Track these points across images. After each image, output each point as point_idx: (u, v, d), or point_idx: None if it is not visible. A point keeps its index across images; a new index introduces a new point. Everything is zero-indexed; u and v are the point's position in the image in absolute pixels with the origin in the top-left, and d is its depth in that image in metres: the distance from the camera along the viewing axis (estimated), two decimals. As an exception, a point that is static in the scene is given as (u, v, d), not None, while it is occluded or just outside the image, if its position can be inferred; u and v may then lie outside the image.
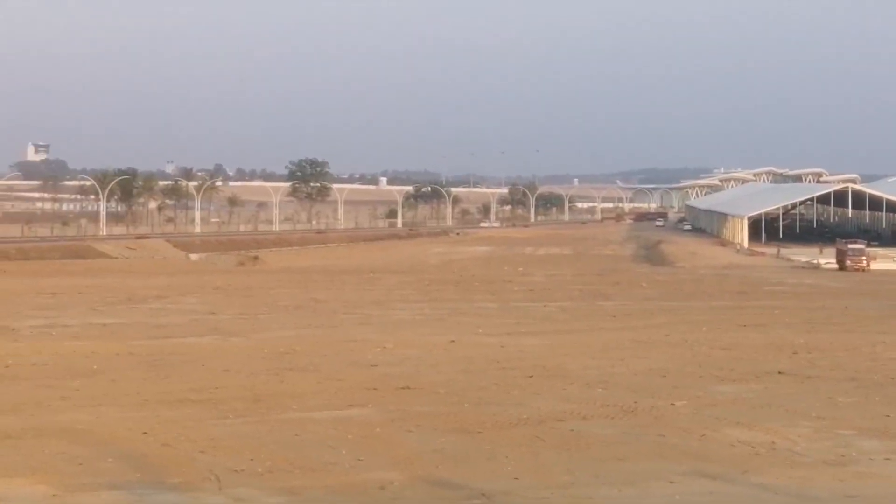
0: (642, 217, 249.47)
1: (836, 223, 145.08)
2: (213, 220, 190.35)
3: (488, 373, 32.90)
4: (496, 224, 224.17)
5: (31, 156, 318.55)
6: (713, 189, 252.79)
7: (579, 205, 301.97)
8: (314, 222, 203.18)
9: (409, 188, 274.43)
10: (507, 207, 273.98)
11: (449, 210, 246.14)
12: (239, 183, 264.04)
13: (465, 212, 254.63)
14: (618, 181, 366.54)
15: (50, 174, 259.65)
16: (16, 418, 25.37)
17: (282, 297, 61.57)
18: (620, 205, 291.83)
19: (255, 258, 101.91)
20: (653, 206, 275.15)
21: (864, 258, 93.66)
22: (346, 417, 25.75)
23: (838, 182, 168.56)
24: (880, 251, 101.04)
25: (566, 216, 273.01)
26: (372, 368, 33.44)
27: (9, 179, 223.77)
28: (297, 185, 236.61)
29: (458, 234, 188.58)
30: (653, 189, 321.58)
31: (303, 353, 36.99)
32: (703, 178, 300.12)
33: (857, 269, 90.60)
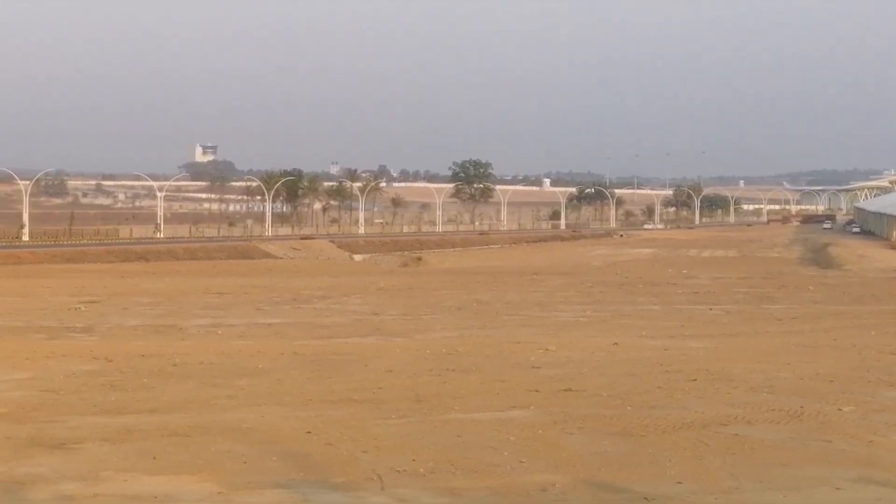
0: (809, 219, 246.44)
1: None
2: (376, 220, 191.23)
3: (652, 376, 32.87)
4: (660, 226, 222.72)
5: (199, 157, 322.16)
6: (883, 191, 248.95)
7: (745, 206, 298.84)
8: (477, 223, 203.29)
9: (573, 189, 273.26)
10: (672, 209, 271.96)
11: (612, 211, 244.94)
12: (402, 184, 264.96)
13: (628, 213, 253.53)
14: (784, 183, 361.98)
15: (217, 175, 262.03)
16: (183, 416, 25.91)
17: (444, 297, 61.76)
18: (787, 207, 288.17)
19: (419, 259, 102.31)
20: (820, 208, 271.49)
21: None
22: (508, 419, 25.95)
23: None
24: None
25: (731, 218, 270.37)
26: (534, 370, 33.57)
27: (177, 180, 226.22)
28: (460, 187, 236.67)
29: (621, 235, 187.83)
30: (820, 191, 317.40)
31: (465, 353, 37.18)
32: (872, 179, 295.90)
33: None
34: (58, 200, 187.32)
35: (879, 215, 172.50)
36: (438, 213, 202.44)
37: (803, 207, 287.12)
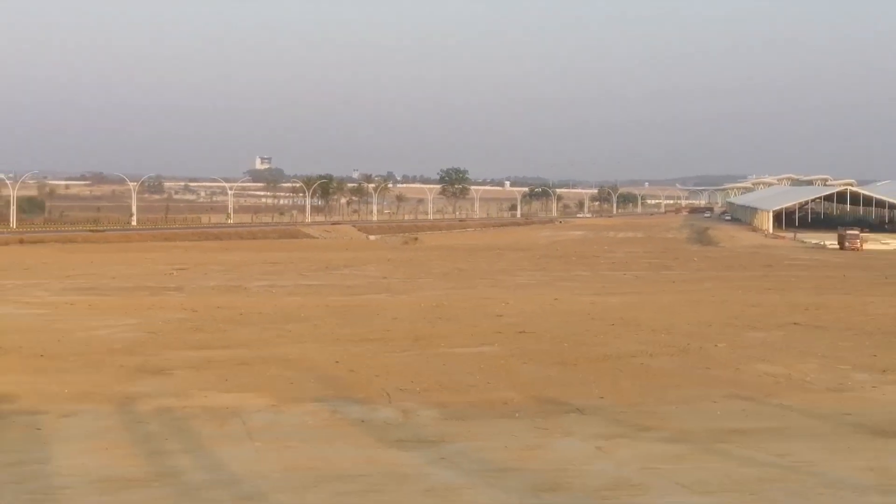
0: (695, 210, 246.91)
1: (838, 215, 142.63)
2: (385, 211, 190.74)
3: (582, 322, 33.31)
4: (588, 215, 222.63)
5: (258, 165, 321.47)
6: (747, 190, 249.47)
7: (649, 201, 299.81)
8: (457, 213, 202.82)
9: (526, 189, 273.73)
10: (597, 203, 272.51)
11: (554, 204, 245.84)
12: (404, 185, 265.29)
13: (566, 206, 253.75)
14: (677, 184, 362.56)
15: (271, 178, 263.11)
16: (247, 351, 26.17)
17: (434, 266, 61.84)
18: (679, 201, 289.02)
19: (416, 239, 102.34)
20: (703, 202, 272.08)
21: (858, 241, 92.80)
22: (479, 353, 26.41)
23: (839, 185, 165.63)
24: (871, 236, 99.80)
25: (639, 209, 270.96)
26: (498, 318, 33.90)
27: (242, 182, 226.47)
28: (445, 187, 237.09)
29: (560, 222, 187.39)
30: (702, 190, 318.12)
31: (449, 307, 37.46)
32: (739, 182, 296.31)
33: (853, 249, 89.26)
34: (156, 196, 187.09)
35: (744, 207, 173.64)
36: (430, 206, 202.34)
37: (691, 202, 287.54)
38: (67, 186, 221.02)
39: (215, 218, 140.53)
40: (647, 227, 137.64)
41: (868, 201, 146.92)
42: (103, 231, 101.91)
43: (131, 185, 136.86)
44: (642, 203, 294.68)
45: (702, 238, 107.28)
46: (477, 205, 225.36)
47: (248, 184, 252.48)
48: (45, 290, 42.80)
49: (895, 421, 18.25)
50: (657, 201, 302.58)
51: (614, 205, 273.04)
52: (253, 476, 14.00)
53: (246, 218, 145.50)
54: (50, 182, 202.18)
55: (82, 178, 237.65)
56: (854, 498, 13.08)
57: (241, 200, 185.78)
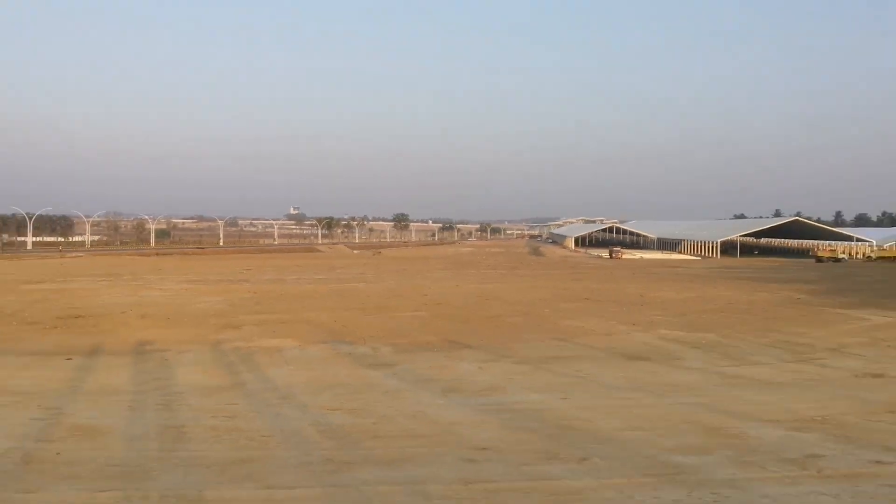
0: (532, 238, 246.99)
1: (609, 239, 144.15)
2: (363, 237, 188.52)
3: (473, 298, 33.31)
4: (474, 240, 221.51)
5: (291, 211, 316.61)
6: (559, 226, 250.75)
7: (508, 232, 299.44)
8: (403, 238, 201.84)
9: (440, 224, 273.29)
10: (479, 233, 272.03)
11: (455, 234, 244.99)
12: (373, 222, 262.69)
13: (462, 234, 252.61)
14: (523, 222, 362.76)
15: (299, 218, 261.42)
16: (285, 315, 26.05)
17: (390, 267, 61.70)
18: (524, 232, 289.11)
19: (380, 252, 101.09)
20: (537, 232, 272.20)
21: (620, 253, 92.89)
22: (414, 316, 26.40)
23: (609, 223, 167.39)
24: (626, 251, 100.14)
25: (502, 237, 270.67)
26: (425, 297, 33.84)
27: (282, 220, 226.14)
28: (396, 223, 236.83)
29: (457, 242, 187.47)
30: (537, 225, 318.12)
31: (399, 291, 37.38)
32: (556, 221, 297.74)
33: (617, 258, 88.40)
34: (233, 228, 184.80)
35: (559, 235, 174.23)
36: (388, 234, 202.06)
37: (531, 233, 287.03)
38: (183, 223, 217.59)
39: (267, 241, 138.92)
40: (506, 247, 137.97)
41: (624, 232, 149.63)
42: (203, 248, 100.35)
43: (220, 222, 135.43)
44: (504, 233, 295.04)
45: (536, 252, 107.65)
46: (413, 234, 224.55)
47: (286, 221, 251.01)
48: (170, 282, 42.24)
49: (638, 351, 18.72)
50: (512, 232, 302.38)
51: (489, 234, 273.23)
52: (288, 385, 14.09)
53: (284, 241, 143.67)
54: (172, 220, 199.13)
55: (191, 218, 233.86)
56: (616, 392, 13.41)
57: (282, 230, 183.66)
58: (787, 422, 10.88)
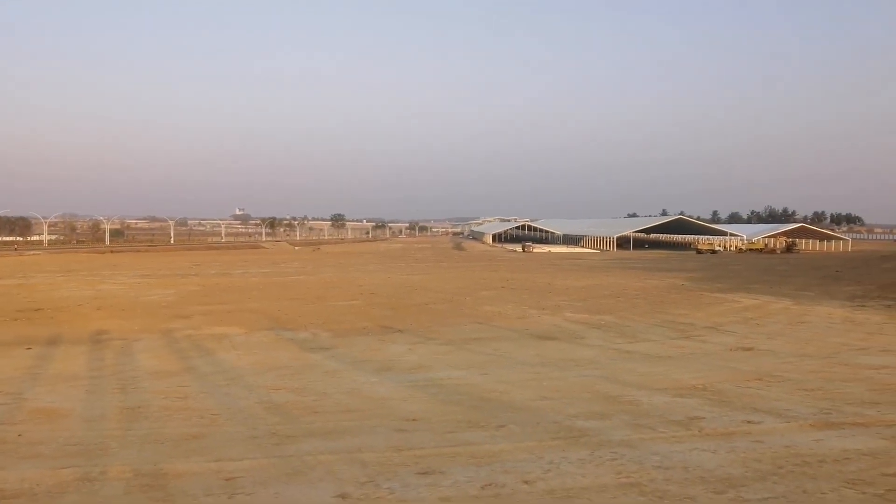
0: (455, 234, 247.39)
1: (523, 235, 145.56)
2: (304, 235, 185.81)
3: (402, 288, 33.18)
4: (404, 237, 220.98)
5: (237, 211, 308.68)
6: (479, 224, 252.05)
7: (434, 229, 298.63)
8: (340, 236, 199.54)
9: (373, 223, 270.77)
10: (409, 230, 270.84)
11: (388, 231, 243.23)
12: (313, 221, 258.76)
13: (393, 232, 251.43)
14: (447, 221, 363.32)
15: (244, 218, 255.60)
16: (232, 305, 25.39)
17: (328, 262, 60.91)
18: (449, 230, 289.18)
19: (319, 248, 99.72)
20: (459, 230, 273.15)
21: (531, 247, 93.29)
22: (350, 304, 26.12)
23: (523, 222, 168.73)
24: (537, 245, 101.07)
25: (429, 234, 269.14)
26: (360, 287, 33.58)
27: (229, 220, 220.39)
28: (334, 222, 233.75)
29: (390, 240, 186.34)
30: (458, 223, 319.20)
31: (335, 282, 36.99)
32: (476, 220, 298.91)
33: (529, 252, 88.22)
34: (183, 228, 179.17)
35: (479, 233, 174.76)
36: (326, 233, 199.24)
37: (454, 230, 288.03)
38: (136, 223, 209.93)
39: (215, 239, 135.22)
40: (433, 243, 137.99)
41: (536, 229, 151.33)
42: (155, 246, 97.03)
43: (170, 222, 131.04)
44: (431, 231, 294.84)
45: (458, 247, 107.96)
46: (349, 232, 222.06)
47: (232, 221, 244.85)
48: (124, 276, 40.75)
49: (547, 332, 18.98)
50: (438, 230, 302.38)
51: (416, 231, 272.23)
52: (235, 368, 13.78)
53: (231, 239, 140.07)
54: (126, 220, 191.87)
55: (143, 218, 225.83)
56: (528, 368, 13.57)
57: (229, 230, 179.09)
58: (673, 389, 11.21)
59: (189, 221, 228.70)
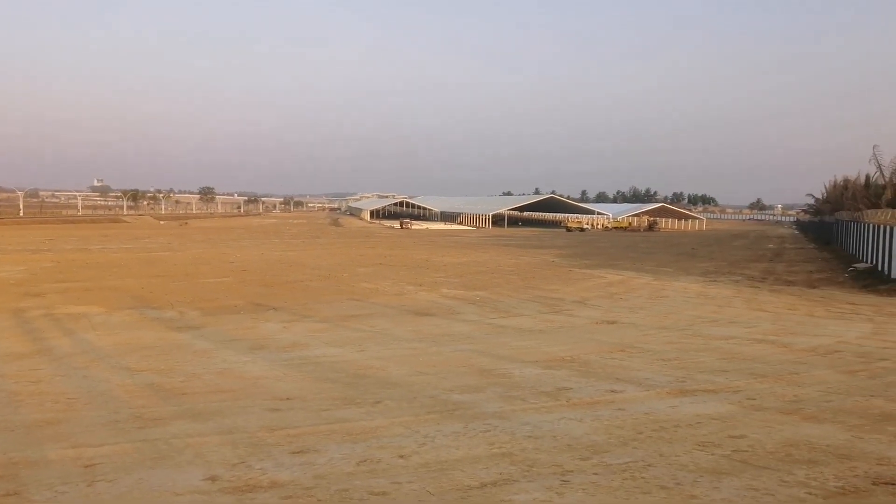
0: (333, 210, 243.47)
1: (400, 212, 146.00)
2: (169, 209, 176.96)
3: (276, 264, 32.50)
4: (278, 212, 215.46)
5: (96, 183, 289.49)
6: (357, 200, 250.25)
7: (310, 205, 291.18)
8: (209, 210, 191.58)
9: (245, 198, 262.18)
10: (283, 205, 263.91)
11: (260, 206, 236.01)
12: (180, 194, 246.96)
13: (266, 207, 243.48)
14: (323, 196, 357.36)
15: (103, 190, 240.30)
16: (90, 283, 24.10)
17: (196, 237, 58.42)
18: (326, 205, 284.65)
19: (186, 223, 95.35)
20: (336, 205, 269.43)
21: (409, 224, 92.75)
22: (221, 281, 25.29)
23: (401, 198, 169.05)
24: (415, 223, 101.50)
25: (304, 209, 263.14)
26: (231, 263, 32.57)
27: (87, 192, 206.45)
28: (202, 196, 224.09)
29: (263, 215, 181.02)
30: (336, 199, 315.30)
31: (204, 258, 35.63)
32: (354, 196, 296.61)
33: (407, 229, 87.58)
34: (34, 199, 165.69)
35: (356, 209, 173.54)
36: (194, 207, 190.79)
37: (330, 205, 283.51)
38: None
39: (71, 212, 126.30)
40: (309, 219, 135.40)
41: (413, 206, 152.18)
42: (1, 218, 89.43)
43: (19, 193, 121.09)
44: (306, 206, 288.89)
45: (335, 223, 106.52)
46: (220, 207, 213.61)
47: (90, 193, 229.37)
48: (-36, 251, 37.43)
49: (424, 308, 19.19)
50: (313, 205, 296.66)
51: (292, 207, 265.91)
52: (95, 349, 13.01)
53: (89, 212, 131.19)
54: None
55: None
56: (405, 343, 13.67)
57: (87, 202, 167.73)
58: (543, 362, 11.67)
59: (41, 193, 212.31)
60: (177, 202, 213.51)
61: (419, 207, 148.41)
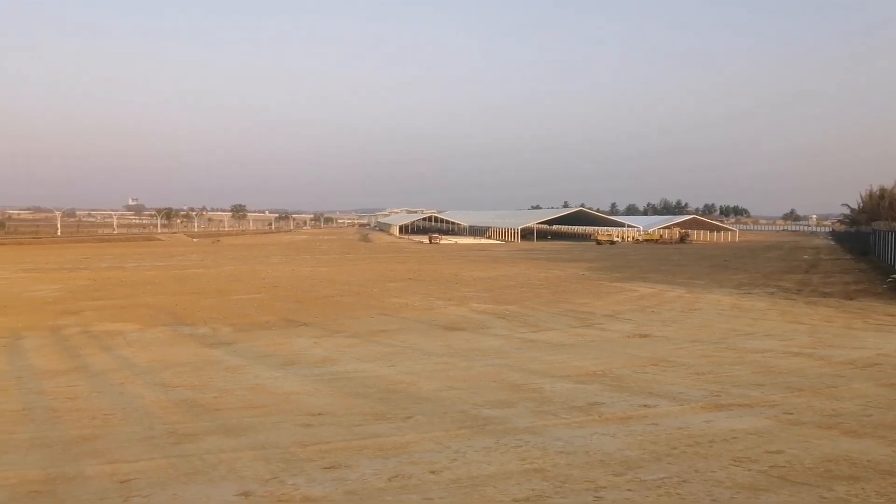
0: (362, 226, 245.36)
1: (430, 227, 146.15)
2: (202, 226, 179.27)
3: (307, 280, 32.73)
4: (309, 227, 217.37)
5: (130, 202, 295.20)
6: (385, 215, 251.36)
7: (340, 221, 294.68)
8: (241, 227, 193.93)
9: (276, 214, 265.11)
10: (314, 222, 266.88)
11: (291, 223, 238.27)
12: (212, 212, 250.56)
13: (297, 223, 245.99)
14: (353, 212, 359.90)
15: (137, 209, 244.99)
16: (125, 300, 24.38)
17: (229, 254, 59.12)
18: (355, 221, 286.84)
19: (219, 240, 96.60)
20: (366, 221, 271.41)
21: (439, 239, 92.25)
22: (253, 298, 25.48)
23: (430, 213, 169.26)
24: (444, 237, 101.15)
25: (334, 225, 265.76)
26: (263, 280, 32.87)
27: (122, 212, 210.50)
28: (234, 213, 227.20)
29: (294, 231, 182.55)
30: (365, 214, 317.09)
31: (237, 275, 36.00)
32: (383, 211, 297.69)
33: (436, 244, 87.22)
34: (71, 219, 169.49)
35: (386, 224, 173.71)
36: (226, 224, 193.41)
37: (361, 222, 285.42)
38: (18, 214, 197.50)
39: (107, 231, 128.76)
40: (339, 235, 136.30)
41: (442, 220, 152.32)
42: (40, 238, 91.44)
43: (57, 213, 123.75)
44: (336, 222, 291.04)
45: (365, 239, 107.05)
46: (251, 223, 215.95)
47: (125, 212, 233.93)
48: (4, 270, 38.26)
49: (454, 322, 19.16)
50: (343, 221, 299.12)
51: (322, 223, 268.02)
52: (130, 366, 13.21)
53: (123, 230, 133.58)
54: (7, 211, 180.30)
55: (26, 209, 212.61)
56: (436, 358, 13.67)
57: (122, 221, 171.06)
58: (575, 376, 11.57)
59: (78, 212, 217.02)
60: (209, 220, 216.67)
61: (448, 222, 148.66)
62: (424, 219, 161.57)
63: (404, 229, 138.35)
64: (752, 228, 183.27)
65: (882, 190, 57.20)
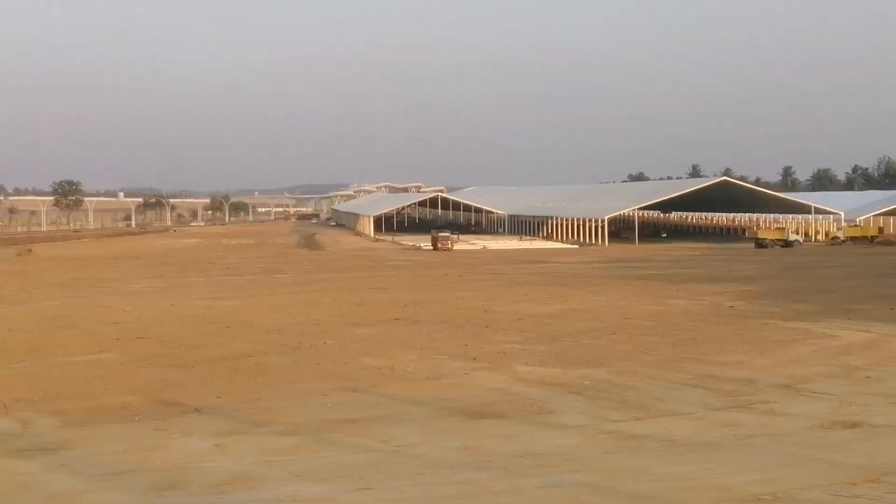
0: (302, 217, 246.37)
1: (432, 219, 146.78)
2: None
3: (198, 326, 32.87)
4: (202, 224, 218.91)
5: None
6: (349, 198, 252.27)
7: (260, 209, 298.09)
8: (72, 224, 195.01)
9: (140, 200, 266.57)
10: (210, 212, 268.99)
11: (168, 214, 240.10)
12: (15, 197, 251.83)
13: (179, 215, 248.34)
14: (285, 193, 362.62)
15: None
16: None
17: (50, 277, 59.26)
18: (288, 209, 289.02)
19: (30, 250, 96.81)
20: (310, 209, 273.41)
21: (449, 241, 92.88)
22: (97, 360, 25.69)
23: (432, 192, 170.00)
24: (462, 237, 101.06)
25: (251, 218, 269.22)
26: (116, 325, 32.97)
27: None
28: (58, 199, 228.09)
29: (175, 231, 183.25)
30: (309, 198, 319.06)
31: (66, 315, 36.15)
32: (342, 190, 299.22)
33: (446, 250, 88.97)
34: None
35: (348, 214, 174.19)
36: (43, 217, 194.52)
37: (299, 209, 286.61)
38: None
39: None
40: (258, 234, 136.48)
41: (457, 206, 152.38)
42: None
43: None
44: (253, 211, 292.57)
45: (309, 243, 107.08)
46: (91, 216, 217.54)
47: None
48: None
49: (484, 403, 19.09)
50: (267, 209, 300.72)
51: (227, 214, 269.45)
52: None
53: None
54: None
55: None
56: (451, 474, 13.59)
57: None
58: (721, 506, 11.50)
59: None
60: (10, 210, 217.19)
61: (467, 208, 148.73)
62: (422, 202, 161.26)
63: (384, 223, 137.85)
64: None
65: None
